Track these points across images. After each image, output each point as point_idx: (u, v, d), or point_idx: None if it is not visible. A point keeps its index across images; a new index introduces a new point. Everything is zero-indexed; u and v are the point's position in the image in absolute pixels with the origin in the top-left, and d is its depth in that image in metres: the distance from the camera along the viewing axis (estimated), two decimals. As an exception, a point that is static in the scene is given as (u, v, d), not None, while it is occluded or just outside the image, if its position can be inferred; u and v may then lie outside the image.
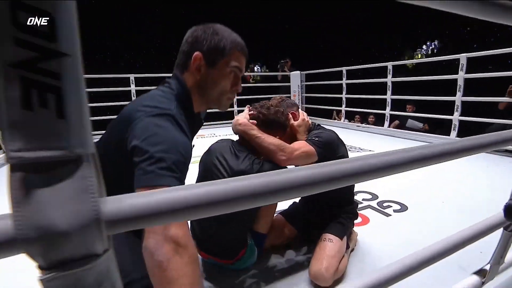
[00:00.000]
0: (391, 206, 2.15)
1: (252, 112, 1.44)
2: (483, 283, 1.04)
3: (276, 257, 1.55)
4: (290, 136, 1.50)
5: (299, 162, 1.33)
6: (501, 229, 0.98)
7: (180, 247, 0.65)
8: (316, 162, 1.33)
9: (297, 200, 1.77)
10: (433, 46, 7.89)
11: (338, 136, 1.52)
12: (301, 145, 1.36)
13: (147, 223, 0.39)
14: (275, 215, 1.72)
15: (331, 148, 1.44)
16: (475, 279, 1.02)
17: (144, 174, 0.71)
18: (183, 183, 0.75)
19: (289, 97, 6.93)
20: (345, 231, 1.50)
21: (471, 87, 3.82)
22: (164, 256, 0.64)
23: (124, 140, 0.79)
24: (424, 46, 7.99)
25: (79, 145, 0.33)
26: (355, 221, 1.62)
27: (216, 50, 0.91)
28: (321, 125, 1.63)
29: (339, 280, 1.36)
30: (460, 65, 3.73)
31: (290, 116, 1.52)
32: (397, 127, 5.60)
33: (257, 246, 1.42)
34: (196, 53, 0.90)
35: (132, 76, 5.76)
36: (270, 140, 1.33)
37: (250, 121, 1.40)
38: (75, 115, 0.32)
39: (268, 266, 1.50)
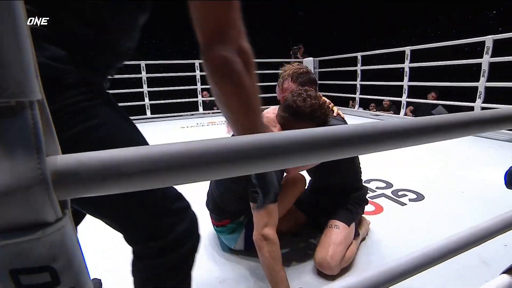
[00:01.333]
0: (406, 195, 2.05)
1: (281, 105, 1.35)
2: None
3: (283, 244, 1.48)
4: None
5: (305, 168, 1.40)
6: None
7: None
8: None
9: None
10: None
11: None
12: None
13: (113, 186, 0.32)
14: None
15: None
16: (507, 279, 0.91)
17: None
18: None
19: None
20: (353, 217, 1.43)
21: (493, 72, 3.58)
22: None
23: None
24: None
25: (20, 91, 0.27)
26: (368, 210, 1.54)
27: None
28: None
29: (346, 269, 1.29)
30: (485, 48, 3.49)
31: (335, 113, 1.45)
32: (413, 112, 5.39)
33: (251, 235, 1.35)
34: None
35: (143, 63, 5.74)
36: None
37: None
38: (13, 59, 0.26)
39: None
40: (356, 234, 1.41)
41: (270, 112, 1.38)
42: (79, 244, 0.34)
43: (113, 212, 0.63)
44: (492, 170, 2.51)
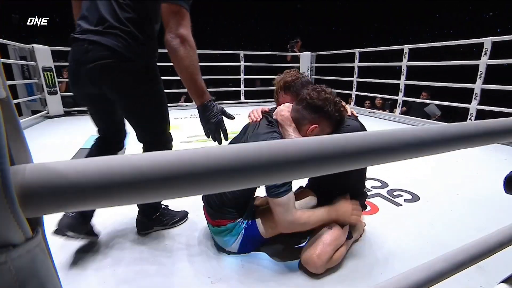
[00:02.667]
0: (402, 196, 2.03)
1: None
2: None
3: (273, 242, 1.46)
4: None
5: None
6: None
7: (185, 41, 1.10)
8: None
9: (303, 184, 1.65)
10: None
11: (362, 128, 1.38)
12: None
13: (94, 201, 0.27)
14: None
15: None
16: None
17: None
18: None
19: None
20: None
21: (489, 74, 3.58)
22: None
23: None
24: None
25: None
26: (364, 210, 1.51)
27: None
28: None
29: (332, 270, 1.26)
30: (484, 49, 3.48)
31: (349, 112, 1.39)
32: (404, 113, 5.39)
33: (248, 240, 1.33)
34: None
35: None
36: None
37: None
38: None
39: (262, 250, 1.42)
40: (349, 237, 1.38)
41: (285, 110, 1.32)
42: (55, 266, 0.29)
43: (149, 123, 1.32)
44: (485, 171, 2.52)
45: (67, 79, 5.03)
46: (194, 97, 1.17)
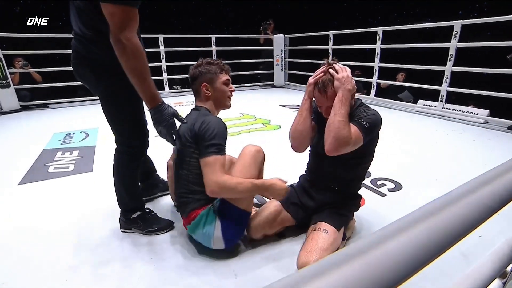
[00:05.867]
0: (385, 185, 2.06)
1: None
2: (504, 284, 0.94)
3: (265, 244, 1.44)
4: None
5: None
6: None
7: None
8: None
9: (293, 182, 1.60)
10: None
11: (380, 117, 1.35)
12: (356, 135, 1.24)
13: None
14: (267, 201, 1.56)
15: (374, 132, 1.31)
16: (496, 282, 0.91)
17: None
18: None
19: (272, 62, 6.63)
20: (344, 222, 1.37)
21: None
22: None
23: None
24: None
25: None
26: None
27: None
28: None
29: None
30: (454, 32, 3.56)
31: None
32: (387, 87, 5.46)
33: (227, 221, 1.31)
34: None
35: (161, 37, 5.37)
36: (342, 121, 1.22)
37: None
38: None
39: (255, 252, 1.39)
40: (344, 238, 1.37)
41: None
42: None
43: (114, 123, 1.38)
44: (460, 155, 2.62)
45: (20, 70, 4.54)
46: (144, 101, 1.23)
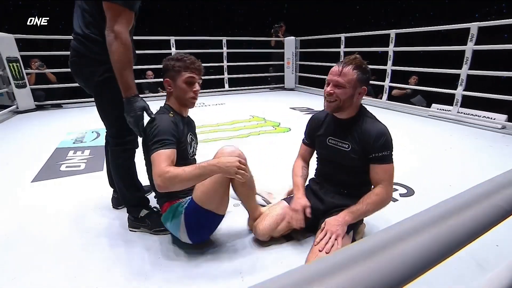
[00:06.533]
0: (397, 190, 2.00)
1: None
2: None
3: (271, 247, 1.41)
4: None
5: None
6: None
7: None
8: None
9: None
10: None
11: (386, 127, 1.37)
12: (386, 175, 1.31)
13: None
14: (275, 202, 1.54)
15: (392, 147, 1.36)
16: None
17: None
18: None
19: (283, 64, 6.61)
20: (353, 226, 1.34)
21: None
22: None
23: None
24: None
25: None
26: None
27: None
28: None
29: None
30: (470, 35, 3.47)
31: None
32: (399, 96, 5.34)
33: (190, 219, 1.30)
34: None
35: (172, 39, 5.42)
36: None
37: None
38: None
39: (263, 254, 1.37)
40: (353, 242, 1.33)
41: None
42: None
43: (107, 118, 1.48)
44: (476, 160, 2.54)
45: (35, 71, 4.65)
46: (121, 89, 1.30)
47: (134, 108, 1.29)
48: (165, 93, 1.45)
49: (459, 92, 3.69)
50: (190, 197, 1.32)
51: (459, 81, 3.65)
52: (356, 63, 1.28)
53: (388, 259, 0.29)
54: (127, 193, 1.55)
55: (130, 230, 1.56)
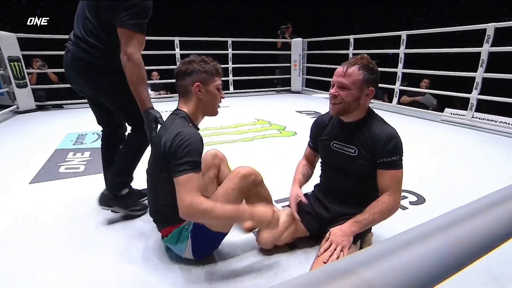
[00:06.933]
0: (406, 197, 1.89)
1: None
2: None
3: (275, 256, 1.34)
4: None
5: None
6: None
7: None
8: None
9: (307, 190, 1.48)
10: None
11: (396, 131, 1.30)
12: (399, 184, 1.22)
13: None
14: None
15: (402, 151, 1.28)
16: None
17: None
18: None
19: (289, 67, 6.50)
20: (360, 235, 1.25)
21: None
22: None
23: None
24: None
25: None
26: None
27: None
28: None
29: None
30: (486, 36, 3.30)
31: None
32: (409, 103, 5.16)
33: (198, 241, 1.22)
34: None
35: (177, 39, 5.36)
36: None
37: None
38: None
39: (266, 262, 1.31)
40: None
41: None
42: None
43: (123, 109, 1.57)
44: (491, 168, 2.38)
45: (37, 70, 4.62)
46: (139, 104, 1.41)
47: (148, 120, 1.38)
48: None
49: (474, 96, 3.51)
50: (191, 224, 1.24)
51: (474, 85, 3.48)
52: (363, 62, 1.19)
53: (396, 267, 0.28)
54: (129, 173, 1.63)
55: (102, 208, 1.60)
